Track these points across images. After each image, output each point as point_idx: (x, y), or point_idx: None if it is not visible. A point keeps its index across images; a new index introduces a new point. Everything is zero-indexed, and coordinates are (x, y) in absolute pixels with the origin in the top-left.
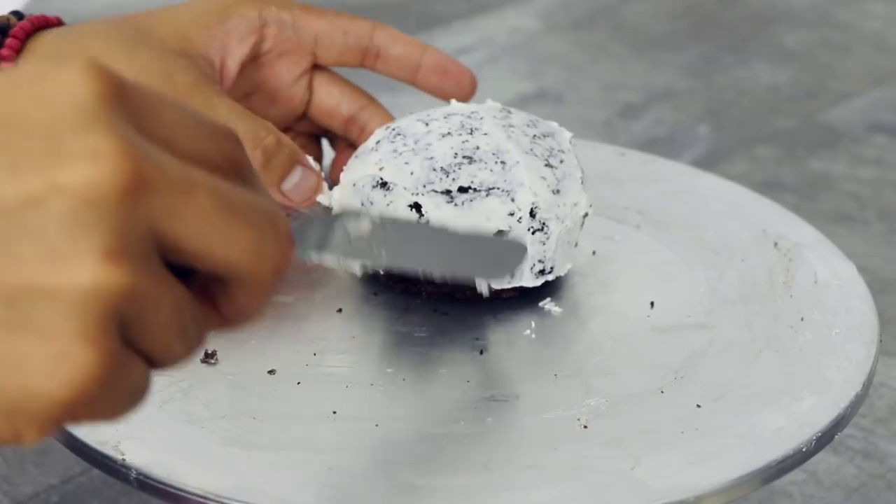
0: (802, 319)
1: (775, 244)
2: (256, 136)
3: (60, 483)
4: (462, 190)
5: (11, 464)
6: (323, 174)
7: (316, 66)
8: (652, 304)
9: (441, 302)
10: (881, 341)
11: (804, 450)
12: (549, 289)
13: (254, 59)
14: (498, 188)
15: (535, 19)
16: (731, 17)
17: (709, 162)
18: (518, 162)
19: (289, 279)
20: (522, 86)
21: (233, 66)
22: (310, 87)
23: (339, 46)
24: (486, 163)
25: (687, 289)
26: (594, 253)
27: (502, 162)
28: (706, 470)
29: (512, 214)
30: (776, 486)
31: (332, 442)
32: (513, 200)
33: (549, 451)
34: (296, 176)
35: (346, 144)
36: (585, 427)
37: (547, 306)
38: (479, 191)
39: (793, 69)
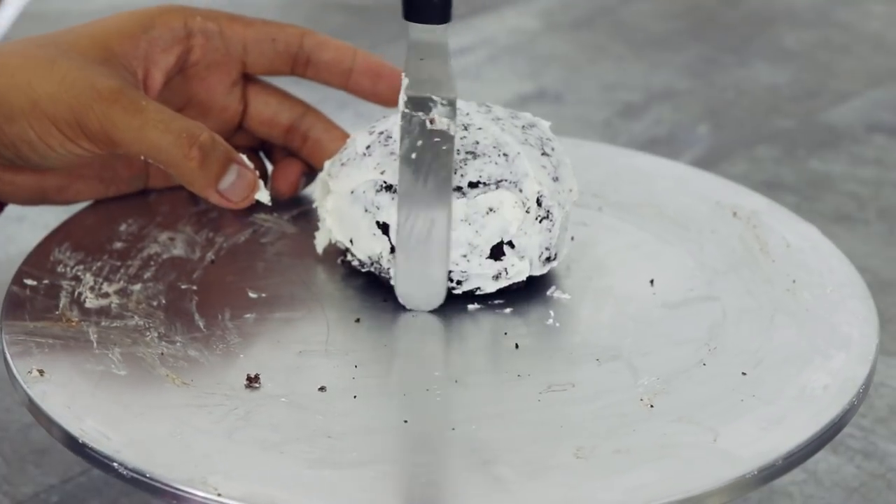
0: (794, 282)
1: (734, 213)
2: (191, 134)
3: (60, 483)
4: (472, 185)
5: (11, 464)
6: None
7: (248, 78)
8: (651, 282)
9: (451, 301)
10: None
11: (855, 403)
12: (550, 277)
13: (182, 72)
14: (506, 180)
15: (535, 19)
16: (731, 17)
17: (709, 162)
18: (519, 153)
19: (289, 292)
20: (522, 86)
21: (158, 76)
22: (243, 98)
23: (269, 55)
24: (489, 156)
25: (677, 264)
26: (572, 238)
27: (504, 154)
28: (781, 432)
29: (521, 205)
30: (776, 485)
31: (418, 451)
32: (521, 191)
33: (629, 434)
34: (232, 174)
35: (285, 154)
36: (652, 407)
37: (555, 294)
38: (489, 184)
39: (793, 69)
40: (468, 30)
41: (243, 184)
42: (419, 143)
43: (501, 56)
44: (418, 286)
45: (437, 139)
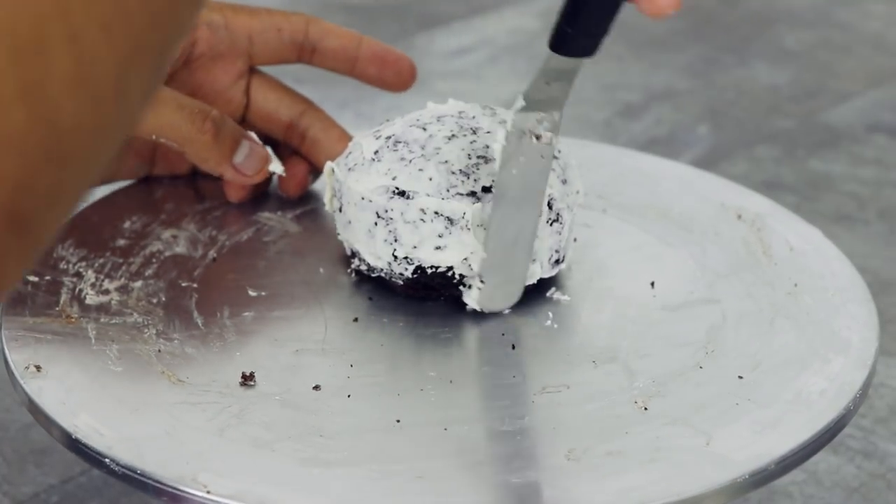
0: (796, 285)
1: (739, 216)
2: (203, 110)
3: (60, 483)
4: (486, 190)
5: (11, 464)
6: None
7: (253, 71)
8: (652, 284)
9: (450, 301)
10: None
11: (851, 408)
12: (551, 278)
13: (187, 64)
14: None
15: (535, 19)
16: (731, 17)
17: (709, 162)
18: None
19: (289, 291)
20: (522, 86)
21: None
22: (247, 92)
23: (274, 45)
24: None
25: (678, 267)
26: (575, 240)
27: None
28: (775, 436)
29: None
30: (776, 485)
31: (409, 450)
32: None
33: (621, 436)
34: (244, 149)
35: (291, 152)
36: (646, 409)
37: (555, 296)
38: None
39: (793, 69)
40: (468, 30)
41: (256, 157)
42: (521, 158)
43: (501, 56)
44: (500, 289)
45: (538, 153)
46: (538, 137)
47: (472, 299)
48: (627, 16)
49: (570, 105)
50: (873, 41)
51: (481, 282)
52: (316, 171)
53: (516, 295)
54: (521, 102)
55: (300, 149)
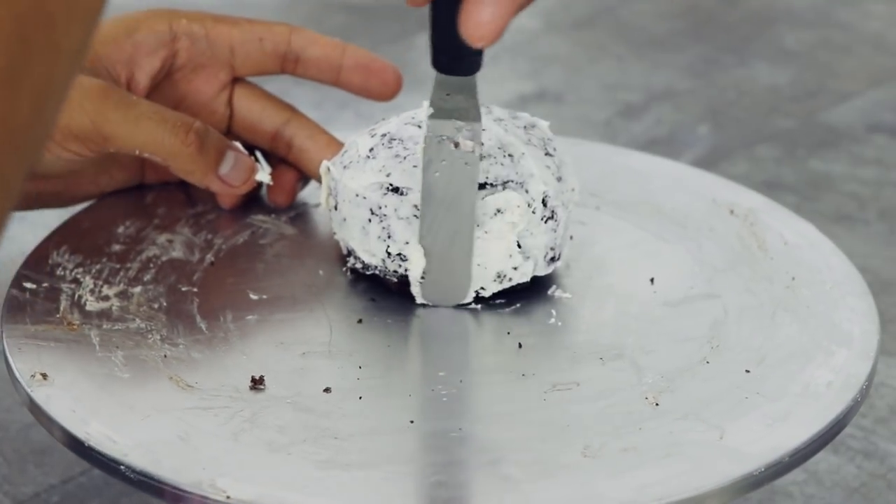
0: (794, 279)
1: (731, 211)
2: (185, 122)
3: (61, 483)
4: (479, 186)
5: (12, 464)
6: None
7: (236, 81)
8: (652, 280)
9: None
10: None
11: (858, 399)
12: (551, 275)
13: (169, 76)
14: (512, 181)
15: (535, 19)
16: (731, 17)
17: (709, 162)
18: (524, 154)
19: (290, 294)
20: (522, 86)
21: (142, 79)
22: (230, 103)
23: (256, 55)
24: (495, 157)
25: (676, 262)
26: (571, 237)
27: (509, 155)
28: (787, 429)
29: (528, 205)
30: (776, 485)
31: (425, 451)
32: (527, 192)
33: (635, 432)
34: (230, 159)
35: (279, 160)
36: (657, 405)
37: (556, 293)
38: (496, 185)
39: (793, 69)
40: None
41: (242, 167)
42: (443, 162)
43: (501, 56)
44: (442, 291)
45: (462, 160)
46: (456, 145)
47: (416, 292)
48: (627, 16)
49: (570, 105)
50: (873, 41)
51: (422, 277)
52: (305, 179)
53: (462, 293)
54: (429, 109)
55: (287, 157)
